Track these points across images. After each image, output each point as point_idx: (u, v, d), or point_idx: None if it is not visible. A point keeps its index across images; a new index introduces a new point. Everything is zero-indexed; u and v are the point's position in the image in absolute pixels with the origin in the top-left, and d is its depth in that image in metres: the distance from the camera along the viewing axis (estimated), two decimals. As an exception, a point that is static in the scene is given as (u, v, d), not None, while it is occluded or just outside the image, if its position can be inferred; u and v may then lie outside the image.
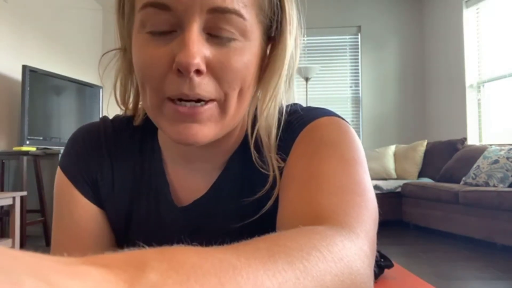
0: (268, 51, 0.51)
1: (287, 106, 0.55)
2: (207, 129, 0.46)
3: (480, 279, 2.51)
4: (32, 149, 3.33)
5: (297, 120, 0.53)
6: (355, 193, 0.42)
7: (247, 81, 0.46)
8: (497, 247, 3.17)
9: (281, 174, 0.51)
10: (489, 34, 4.47)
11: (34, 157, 3.44)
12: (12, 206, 2.73)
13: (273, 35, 0.50)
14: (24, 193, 2.94)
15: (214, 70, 0.44)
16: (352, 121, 5.54)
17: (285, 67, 0.50)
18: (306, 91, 5.22)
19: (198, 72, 0.43)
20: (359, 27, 5.53)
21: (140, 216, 0.58)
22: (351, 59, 5.60)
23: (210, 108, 0.45)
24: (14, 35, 3.56)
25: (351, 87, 5.58)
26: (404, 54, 5.50)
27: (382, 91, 5.50)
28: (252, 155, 0.52)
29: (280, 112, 0.52)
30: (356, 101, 5.56)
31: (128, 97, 0.56)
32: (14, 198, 2.72)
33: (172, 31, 0.44)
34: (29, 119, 3.41)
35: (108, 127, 0.59)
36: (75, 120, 3.92)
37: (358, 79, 5.56)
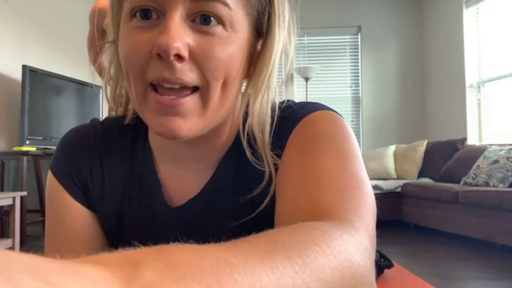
0: (259, 47, 0.51)
1: (280, 102, 0.55)
2: (190, 122, 0.45)
3: (480, 279, 2.51)
4: (32, 149, 3.32)
5: (291, 115, 0.52)
6: (353, 187, 0.42)
7: (231, 73, 0.46)
8: (497, 247, 3.17)
9: (276, 170, 0.50)
10: (489, 34, 4.47)
11: (34, 157, 3.44)
12: (12, 206, 2.72)
13: (264, 31, 0.50)
14: (24, 193, 2.94)
15: (197, 57, 0.44)
16: (352, 121, 5.55)
17: (274, 60, 0.49)
18: (306, 91, 5.22)
19: (180, 58, 0.42)
20: (359, 27, 5.53)
21: (132, 217, 0.57)
22: (351, 59, 5.60)
23: (192, 100, 0.45)
24: (14, 35, 3.56)
25: (351, 87, 5.58)
26: (404, 54, 5.50)
27: (382, 91, 5.50)
28: (246, 151, 0.51)
29: (273, 108, 0.52)
30: (356, 101, 5.56)
31: (119, 92, 0.56)
32: (14, 198, 2.72)
33: (157, 20, 0.44)
34: (29, 119, 3.41)
35: (97, 128, 0.59)
36: (75, 120, 3.92)
37: (358, 79, 5.56)
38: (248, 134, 0.51)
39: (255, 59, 0.50)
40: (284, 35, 0.50)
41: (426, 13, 5.40)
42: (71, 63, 4.30)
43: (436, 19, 5.21)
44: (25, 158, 3.26)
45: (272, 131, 0.51)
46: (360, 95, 5.54)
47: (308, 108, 0.53)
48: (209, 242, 0.30)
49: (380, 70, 5.51)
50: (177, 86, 0.44)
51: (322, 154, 0.46)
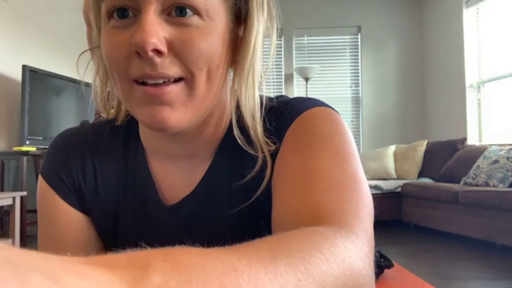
0: (241, 33, 0.50)
1: (275, 97, 0.55)
2: (177, 112, 0.45)
3: (480, 279, 2.51)
4: (32, 149, 3.32)
5: (288, 110, 0.52)
6: (351, 188, 0.42)
7: (214, 61, 0.46)
8: (497, 247, 3.17)
9: (273, 161, 0.50)
10: (489, 34, 4.47)
11: (34, 157, 3.44)
12: (12, 206, 2.72)
13: (244, 17, 0.49)
14: (24, 193, 2.94)
15: (177, 50, 0.43)
16: (352, 121, 5.55)
17: (254, 44, 0.48)
18: (306, 91, 5.22)
19: (159, 53, 0.42)
20: (359, 27, 5.53)
21: (127, 218, 0.57)
22: (351, 59, 5.60)
23: (176, 88, 0.45)
24: (14, 35, 3.56)
25: (351, 87, 5.58)
26: (404, 54, 5.50)
27: (382, 91, 5.50)
28: (237, 139, 0.51)
29: (262, 96, 0.52)
30: (356, 101, 5.56)
31: (111, 91, 0.56)
32: (14, 198, 2.72)
33: (134, 18, 0.44)
34: (29, 119, 3.41)
35: (87, 130, 0.58)
36: (75, 120, 3.91)
37: (358, 79, 5.56)
38: (240, 122, 0.50)
39: (238, 45, 0.50)
40: (264, 19, 0.49)
41: (426, 13, 5.40)
42: (71, 63, 4.30)
43: (436, 19, 5.21)
44: (25, 158, 3.26)
45: (263, 116, 0.51)
46: (360, 95, 5.54)
47: (305, 104, 0.52)
48: (205, 239, 0.29)
49: (380, 70, 5.51)
50: (160, 81, 0.44)
51: (320, 153, 0.46)
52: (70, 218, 0.56)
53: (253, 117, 0.50)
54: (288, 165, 0.47)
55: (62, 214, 0.56)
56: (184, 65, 0.44)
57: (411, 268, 2.50)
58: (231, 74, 0.52)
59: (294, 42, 5.53)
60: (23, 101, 3.37)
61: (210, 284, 0.21)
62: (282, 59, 5.52)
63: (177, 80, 0.45)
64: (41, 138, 3.55)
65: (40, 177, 0.57)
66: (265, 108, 0.51)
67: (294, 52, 5.55)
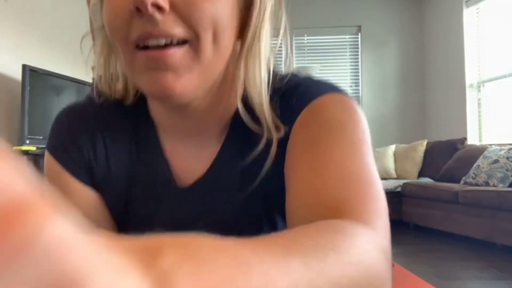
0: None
1: (286, 74, 0.53)
2: (183, 79, 0.43)
3: (480, 279, 2.51)
4: (32, 148, 3.32)
5: (300, 95, 0.50)
6: (368, 183, 0.41)
7: (219, 23, 0.44)
8: (497, 247, 3.17)
9: (283, 145, 0.48)
10: (489, 34, 4.47)
11: (34, 156, 3.44)
12: (12, 206, 2.72)
13: None
14: (24, 192, 2.94)
15: (179, 7, 0.42)
16: (352, 121, 5.54)
17: (261, 14, 0.47)
18: (306, 91, 5.22)
19: (160, 9, 0.41)
20: (359, 27, 5.53)
21: (138, 195, 0.54)
22: (351, 59, 5.60)
23: (180, 51, 0.43)
24: (14, 35, 3.56)
25: (351, 87, 5.58)
26: (404, 54, 5.50)
27: (382, 91, 5.50)
28: (241, 114, 0.49)
29: (269, 71, 0.50)
30: (356, 101, 5.55)
31: (113, 75, 0.54)
32: (14, 197, 2.72)
33: None
34: (29, 119, 3.41)
35: (94, 104, 0.55)
36: (75, 119, 3.91)
37: (358, 79, 5.56)
38: (246, 99, 0.49)
39: (246, 20, 0.48)
40: None
41: (426, 13, 5.40)
42: (71, 63, 4.30)
43: (436, 19, 5.21)
44: (25, 157, 3.26)
45: (270, 94, 0.49)
46: (360, 95, 5.54)
47: (317, 89, 0.50)
48: (216, 221, 0.28)
49: (380, 70, 5.51)
50: (163, 41, 0.42)
51: (332, 145, 0.44)
52: (82, 196, 0.53)
53: (260, 93, 0.48)
54: (301, 156, 0.45)
55: (74, 192, 0.53)
56: (188, 25, 0.42)
57: (411, 268, 2.50)
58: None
59: (294, 41, 5.53)
60: (23, 101, 3.37)
61: (219, 275, 0.21)
62: (282, 59, 5.51)
63: (181, 43, 0.43)
64: (41, 137, 3.54)
65: (46, 153, 0.54)
66: (273, 87, 0.50)
67: (294, 51, 5.55)
